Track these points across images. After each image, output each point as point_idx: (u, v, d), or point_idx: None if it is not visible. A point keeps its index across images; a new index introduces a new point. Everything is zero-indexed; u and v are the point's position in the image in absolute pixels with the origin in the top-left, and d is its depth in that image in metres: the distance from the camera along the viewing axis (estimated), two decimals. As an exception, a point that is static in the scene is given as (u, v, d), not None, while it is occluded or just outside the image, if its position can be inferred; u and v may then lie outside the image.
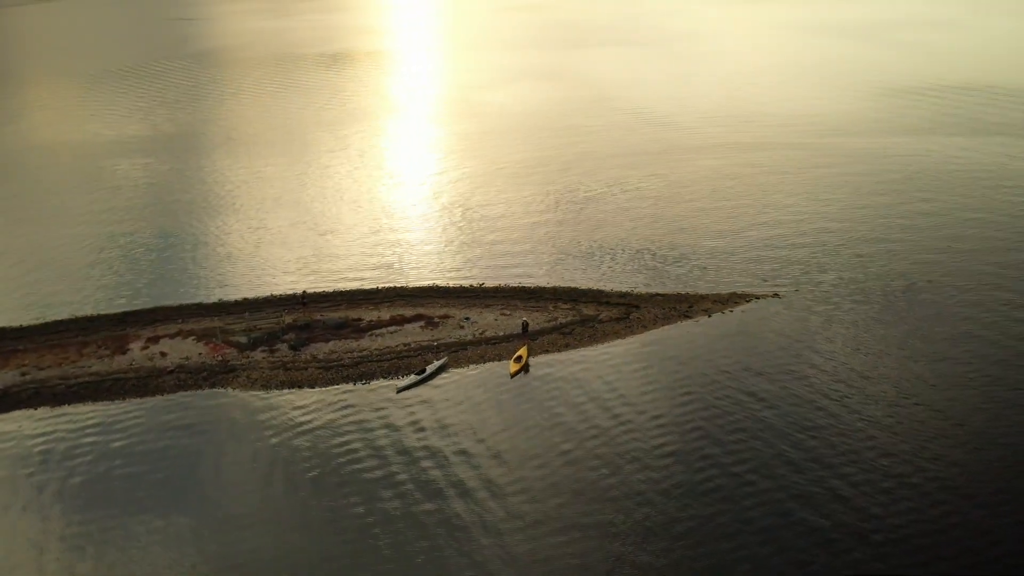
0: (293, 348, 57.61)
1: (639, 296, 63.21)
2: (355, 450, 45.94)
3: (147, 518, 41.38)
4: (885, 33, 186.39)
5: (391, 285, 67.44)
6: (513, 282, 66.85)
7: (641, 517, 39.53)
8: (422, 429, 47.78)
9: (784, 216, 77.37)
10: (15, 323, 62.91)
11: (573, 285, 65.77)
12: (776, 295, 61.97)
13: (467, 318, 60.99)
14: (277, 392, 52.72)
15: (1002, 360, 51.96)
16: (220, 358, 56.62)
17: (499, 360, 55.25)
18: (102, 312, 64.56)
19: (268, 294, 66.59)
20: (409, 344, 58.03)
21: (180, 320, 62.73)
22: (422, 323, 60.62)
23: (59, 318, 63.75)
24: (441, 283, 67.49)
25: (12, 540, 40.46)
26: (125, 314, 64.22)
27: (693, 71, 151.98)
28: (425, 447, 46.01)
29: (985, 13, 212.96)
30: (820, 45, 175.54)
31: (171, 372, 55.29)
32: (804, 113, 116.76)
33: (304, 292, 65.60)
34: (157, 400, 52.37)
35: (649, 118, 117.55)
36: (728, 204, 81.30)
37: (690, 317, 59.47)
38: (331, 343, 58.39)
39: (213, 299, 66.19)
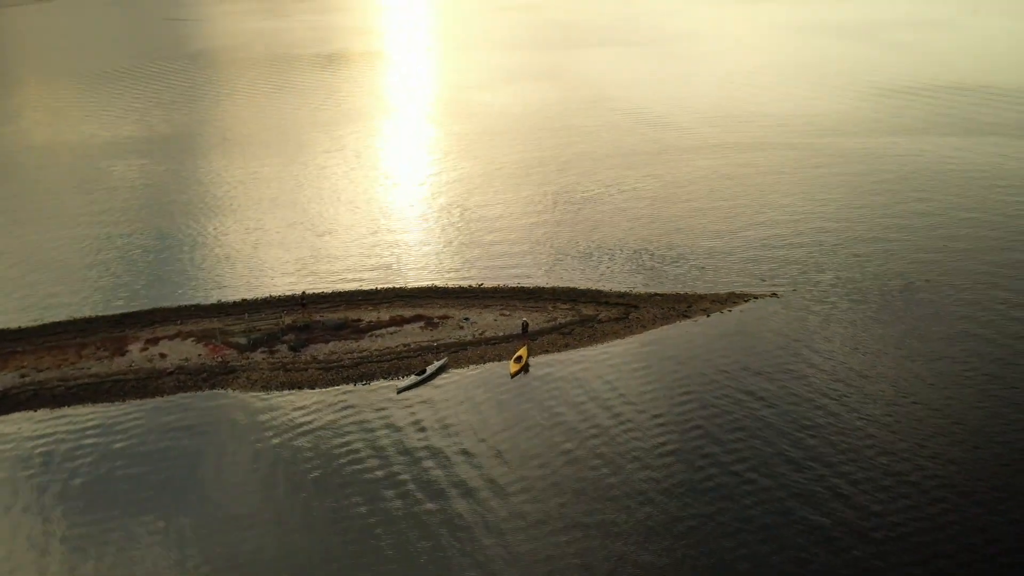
0: (293, 349, 57.64)
1: (638, 296, 63.41)
2: (357, 450, 46.02)
3: (149, 519, 41.38)
4: (879, 33, 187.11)
5: (390, 286, 67.50)
6: (512, 282, 66.98)
7: (643, 516, 39.70)
8: (423, 429, 47.88)
9: (781, 216, 77.68)
10: (13, 324, 62.78)
11: (572, 285, 65.94)
12: (774, 295, 62.23)
13: (466, 318, 61.09)
14: (278, 393, 52.75)
15: (999, 358, 52.29)
16: (220, 359, 56.62)
17: (499, 360, 55.37)
18: (100, 314, 64.48)
19: (267, 295, 66.59)
20: (409, 345, 58.12)
21: (179, 321, 62.68)
22: (421, 324, 60.71)
23: (57, 319, 63.65)
24: (440, 284, 67.59)
25: (14, 542, 40.42)
26: (123, 315, 64.16)
27: (689, 71, 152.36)
28: (427, 447, 46.10)
29: (978, 14, 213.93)
30: (815, 45, 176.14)
31: (171, 373, 55.27)
32: (800, 113, 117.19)
33: (303, 293, 65.60)
34: (157, 401, 52.35)
35: (646, 118, 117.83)
36: (725, 204, 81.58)
37: (689, 317, 59.68)
38: (331, 344, 58.43)
39: (211, 300, 66.17)
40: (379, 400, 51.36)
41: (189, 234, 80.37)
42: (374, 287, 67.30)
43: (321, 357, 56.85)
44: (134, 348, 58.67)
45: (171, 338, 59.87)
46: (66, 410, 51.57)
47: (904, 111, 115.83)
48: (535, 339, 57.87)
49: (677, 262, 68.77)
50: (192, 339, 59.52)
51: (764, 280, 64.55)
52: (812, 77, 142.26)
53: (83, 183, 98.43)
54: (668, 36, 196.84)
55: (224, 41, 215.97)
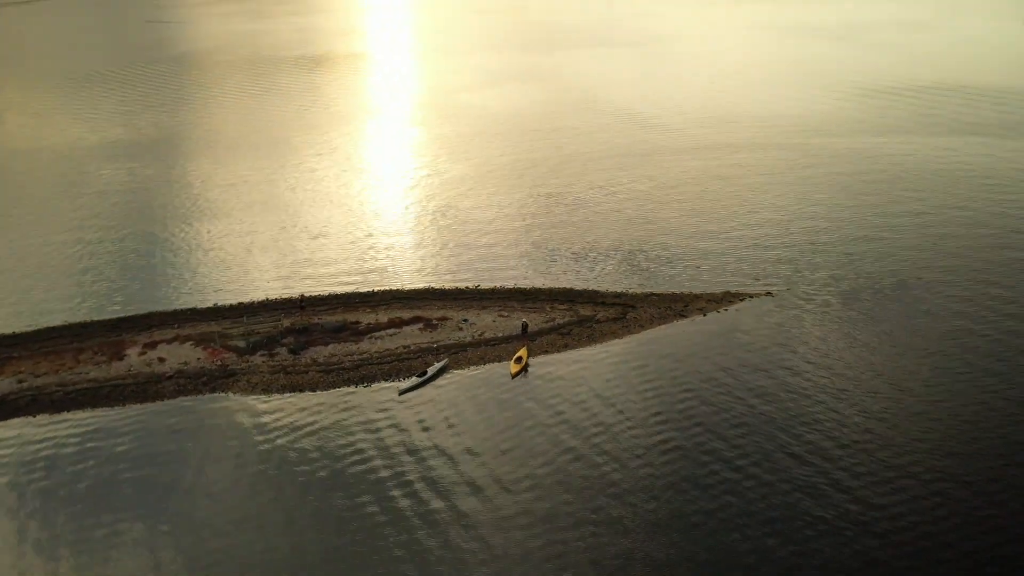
0: (293, 352, 57.64)
1: (634, 296, 63.98)
2: (362, 450, 46.21)
3: (153, 522, 41.34)
4: (861, 34, 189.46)
5: (387, 288, 67.63)
6: (508, 283, 67.34)
7: (648, 511, 40.23)
8: (427, 429, 48.13)
9: (773, 216, 78.62)
10: (7, 330, 62.27)
11: (569, 286, 66.40)
12: (769, 294, 63.03)
13: (465, 320, 61.37)
14: (279, 396, 52.77)
15: (992, 353, 53.38)
16: (219, 363, 56.51)
17: (499, 361, 55.70)
18: (95, 318, 64.11)
19: (263, 298, 66.48)
20: (409, 346, 58.30)
21: (176, 325, 62.46)
22: (420, 325, 60.91)
23: (52, 324, 63.21)
24: (437, 285, 67.81)
25: (16, 546, 40.24)
26: (119, 320, 63.83)
27: (675, 72, 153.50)
28: (431, 447, 46.36)
29: (957, 15, 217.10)
30: (798, 46, 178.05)
31: (170, 377, 55.10)
32: (787, 114, 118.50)
33: (302, 296, 65.60)
34: (158, 406, 52.21)
35: (634, 120, 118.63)
36: (717, 205, 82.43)
37: (686, 316, 60.32)
38: (330, 346, 58.49)
39: (207, 304, 65.96)
40: (381, 401, 51.55)
41: (182, 238, 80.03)
42: (371, 289, 67.40)
43: (321, 360, 56.91)
44: (132, 352, 58.42)
45: (169, 342, 59.67)
46: (66, 415, 51.33)
47: (889, 111, 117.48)
48: (534, 340, 58.26)
49: (672, 262, 69.44)
50: (190, 343, 59.35)
51: (758, 279, 65.35)
52: (797, 78, 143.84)
53: (72, 187, 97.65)
54: (651, 37, 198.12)
55: (208, 43, 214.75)
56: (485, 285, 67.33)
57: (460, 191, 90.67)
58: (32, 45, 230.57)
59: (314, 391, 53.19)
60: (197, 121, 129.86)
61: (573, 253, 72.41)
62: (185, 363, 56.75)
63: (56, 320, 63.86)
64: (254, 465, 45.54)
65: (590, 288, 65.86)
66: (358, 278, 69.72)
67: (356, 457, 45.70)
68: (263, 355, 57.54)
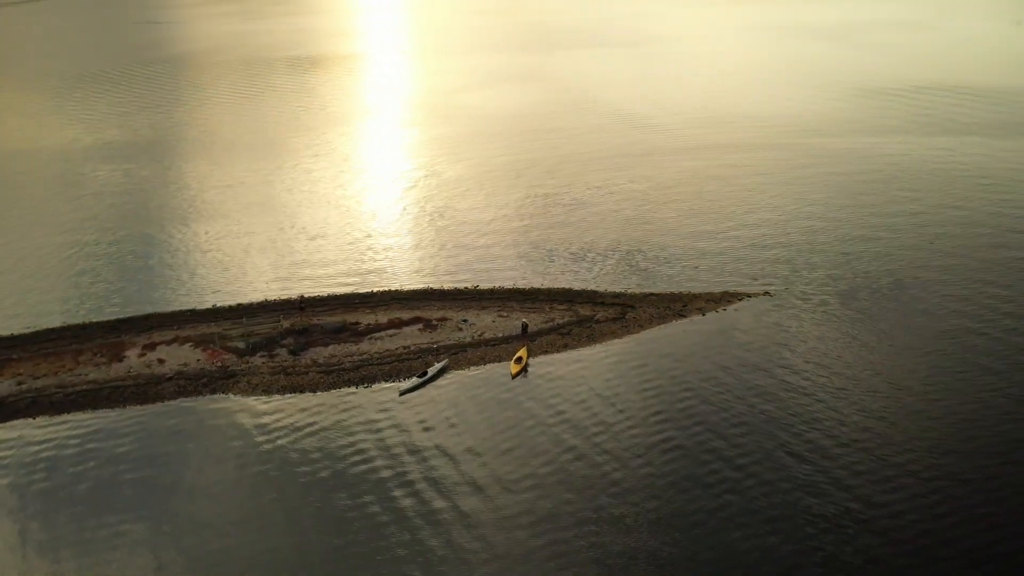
0: (293, 353, 57.65)
1: (633, 296, 64.17)
2: (364, 450, 46.33)
3: (155, 523, 41.39)
4: (857, 35, 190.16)
5: (386, 288, 67.69)
6: (507, 284, 67.46)
7: (651, 509, 40.44)
8: (429, 429, 48.25)
9: (771, 216, 78.91)
10: (5, 332, 62.14)
11: (567, 286, 66.56)
12: (767, 293, 63.30)
13: (465, 320, 61.47)
14: (280, 397, 52.80)
15: (989, 351, 53.75)
16: (219, 364, 56.50)
17: (499, 361, 55.83)
18: (94, 320, 64.02)
19: (262, 299, 66.47)
20: (409, 347, 58.37)
21: (175, 326, 62.40)
22: (420, 326, 60.99)
23: (51, 326, 63.10)
24: (435, 286, 67.88)
25: (18, 548, 40.21)
26: (118, 321, 63.75)
27: (670, 73, 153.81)
28: (433, 446, 46.48)
29: (952, 15, 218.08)
30: (793, 47, 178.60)
31: (170, 379, 55.07)
32: (782, 114, 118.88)
33: (302, 297, 65.63)
34: (158, 407, 52.22)
35: (631, 120, 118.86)
36: (715, 205, 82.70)
37: (685, 316, 60.54)
38: (330, 347, 58.52)
39: (206, 305, 65.91)
40: (382, 402, 51.64)
41: (179, 239, 79.94)
42: (370, 290, 67.45)
43: (321, 360, 56.94)
44: (131, 354, 58.36)
45: (168, 343, 59.63)
46: (66, 417, 51.29)
47: (885, 111, 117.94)
48: (534, 340, 58.39)
49: (670, 262, 69.67)
50: (190, 344, 59.32)
51: (756, 279, 65.62)
52: (793, 78, 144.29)
53: (68, 188, 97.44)
54: (646, 38, 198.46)
55: (203, 44, 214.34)
56: (484, 285, 67.44)
57: (458, 192, 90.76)
58: (26, 46, 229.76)
59: (315, 392, 53.24)
60: (193, 122, 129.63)
61: (571, 253, 72.59)
62: (185, 364, 56.72)
63: (55, 322, 63.76)
64: (256, 466, 45.58)
65: (589, 288, 66.03)
66: (357, 279, 69.76)
67: (358, 457, 45.80)
68: (263, 356, 57.54)
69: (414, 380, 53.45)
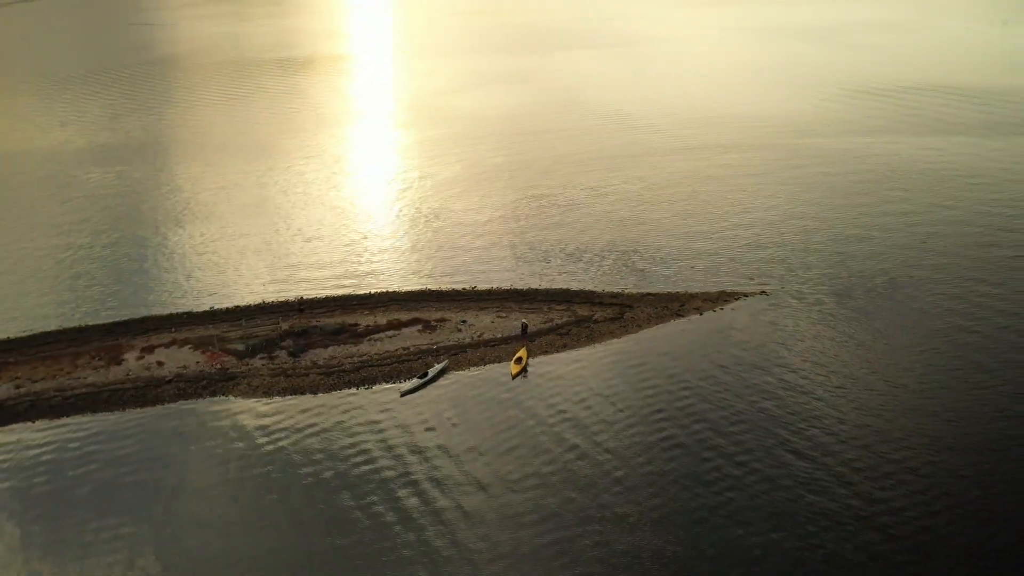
0: (292, 355, 57.66)
1: (631, 296, 64.53)
2: (367, 451, 46.48)
3: (158, 525, 41.37)
4: (844, 36, 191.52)
5: (383, 290, 67.78)
6: (505, 285, 67.67)
7: (654, 506, 40.79)
8: (431, 429, 48.43)
9: (765, 216, 79.49)
10: (2, 335, 61.82)
11: (565, 287, 66.84)
12: (763, 293, 63.80)
13: (464, 321, 61.65)
14: (280, 398, 52.83)
15: (983, 348, 54.44)
16: (219, 366, 56.44)
17: (499, 362, 56.04)
18: (90, 323, 63.79)
19: (259, 301, 66.40)
20: (408, 348, 58.49)
21: (173, 329, 62.27)
22: (419, 327, 61.13)
23: (47, 329, 62.86)
24: (433, 287, 68.02)
25: (20, 549, 40.11)
26: (115, 324, 63.54)
27: (659, 74, 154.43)
28: (436, 446, 46.67)
29: (937, 16, 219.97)
30: (779, 47, 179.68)
31: (170, 381, 54.98)
32: (772, 114, 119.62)
33: (301, 298, 65.63)
34: (158, 409, 52.13)
35: (622, 121, 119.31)
36: (709, 205, 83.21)
37: (682, 316, 60.94)
38: (330, 349, 58.57)
39: (203, 308, 65.79)
40: (383, 403, 51.75)
41: (174, 241, 79.72)
42: (368, 291, 67.51)
43: (321, 362, 56.98)
44: (130, 357, 58.22)
45: (167, 346, 59.51)
46: (65, 420, 51.13)
47: (874, 112, 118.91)
48: (533, 340, 58.63)
49: (666, 262, 70.09)
50: (189, 346, 59.23)
51: (753, 279, 66.13)
52: (782, 79, 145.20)
53: (61, 191, 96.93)
54: (633, 39, 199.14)
55: (193, 45, 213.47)
56: (481, 286, 67.64)
57: (452, 193, 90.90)
58: (18, 47, 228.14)
59: (315, 393, 53.28)
60: (184, 124, 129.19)
61: (567, 254, 72.89)
62: (184, 367, 56.64)
63: (50, 325, 63.53)
64: (259, 467, 45.62)
65: (586, 289, 66.35)
66: (354, 280, 69.80)
67: (361, 457, 45.94)
68: (262, 358, 57.53)
69: (415, 381, 53.59)
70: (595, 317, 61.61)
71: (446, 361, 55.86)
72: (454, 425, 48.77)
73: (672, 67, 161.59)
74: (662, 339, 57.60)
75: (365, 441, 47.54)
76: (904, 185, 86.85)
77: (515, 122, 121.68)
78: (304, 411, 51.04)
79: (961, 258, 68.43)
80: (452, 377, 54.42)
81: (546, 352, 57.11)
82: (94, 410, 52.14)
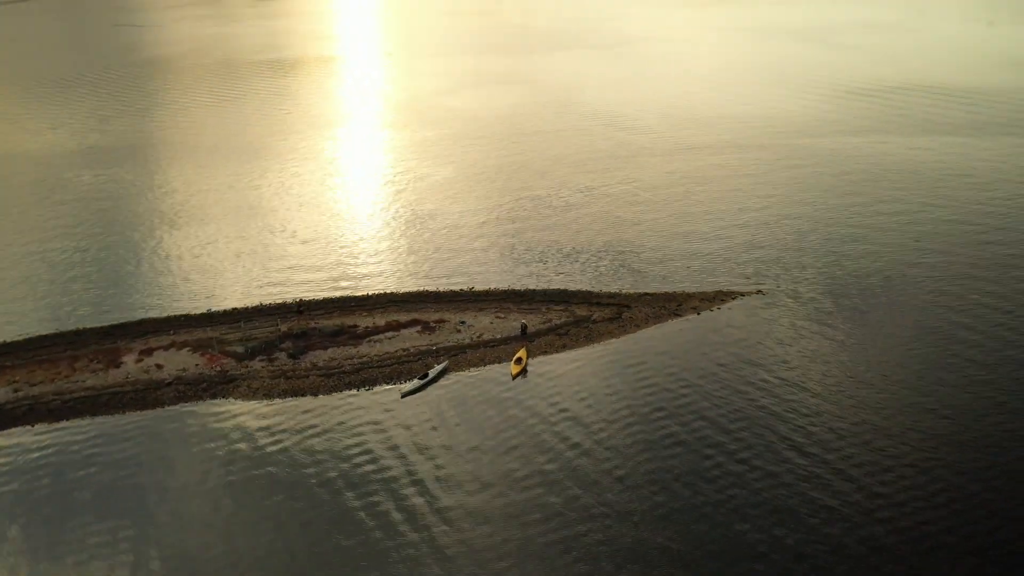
0: (292, 357, 57.63)
1: (629, 296, 64.89)
2: (370, 451, 46.59)
3: (161, 526, 41.32)
4: (833, 36, 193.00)
5: (381, 291, 67.84)
6: (503, 285, 67.88)
7: (658, 503, 41.12)
8: (433, 429, 48.58)
9: (760, 216, 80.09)
10: (-2, 339, 61.58)
11: (563, 287, 67.13)
12: (760, 292, 64.31)
13: (463, 322, 61.80)
14: (280, 400, 52.80)
15: (977, 344, 55.18)
16: (218, 368, 56.34)
17: (499, 362, 56.23)
18: (87, 326, 63.52)
19: (257, 303, 66.33)
20: (408, 349, 58.59)
21: (171, 332, 62.10)
22: (418, 328, 61.24)
23: (43, 333, 62.54)
24: (430, 288, 68.14)
25: (21, 552, 39.95)
26: (112, 327, 63.28)
27: (651, 74, 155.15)
28: (439, 446, 46.82)
29: (925, 16, 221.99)
30: (770, 48, 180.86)
31: (169, 384, 54.83)
32: (765, 115, 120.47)
33: (300, 300, 65.58)
34: (158, 412, 51.99)
35: (615, 122, 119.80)
36: (705, 206, 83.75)
37: (680, 315, 61.33)
38: (329, 350, 58.58)
39: (201, 310, 65.62)
40: (385, 403, 51.84)
41: (169, 244, 79.45)
42: (365, 293, 67.55)
43: (321, 364, 56.99)
44: (128, 360, 58.01)
45: (165, 348, 59.34)
46: (65, 424, 50.90)
47: (865, 112, 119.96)
48: (533, 340, 58.85)
49: (663, 262, 70.51)
50: (187, 349, 59.09)
51: (749, 278, 66.64)
52: (771, 79, 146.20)
53: (52, 194, 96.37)
54: (625, 40, 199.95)
55: (181, 47, 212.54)
56: (479, 287, 67.82)
57: (448, 194, 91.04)
58: (3, 49, 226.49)
59: (316, 395, 53.29)
60: (176, 126, 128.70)
61: (564, 255, 73.19)
62: (183, 369, 56.51)
63: (47, 328, 63.20)
64: (262, 468, 45.60)
65: (584, 289, 66.65)
66: (351, 282, 69.82)
67: (364, 457, 46.05)
68: (262, 360, 57.47)
69: (415, 382, 53.70)
70: (593, 317, 61.91)
71: (446, 362, 56.00)
72: (456, 425, 48.94)
73: (666, 67, 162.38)
74: (660, 339, 57.98)
75: (368, 441, 47.65)
76: (897, 184, 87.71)
77: (508, 123, 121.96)
78: (306, 412, 51.08)
79: (954, 256, 69.23)
80: (452, 378, 54.58)
81: (545, 352, 57.36)
82: (94, 413, 51.95)
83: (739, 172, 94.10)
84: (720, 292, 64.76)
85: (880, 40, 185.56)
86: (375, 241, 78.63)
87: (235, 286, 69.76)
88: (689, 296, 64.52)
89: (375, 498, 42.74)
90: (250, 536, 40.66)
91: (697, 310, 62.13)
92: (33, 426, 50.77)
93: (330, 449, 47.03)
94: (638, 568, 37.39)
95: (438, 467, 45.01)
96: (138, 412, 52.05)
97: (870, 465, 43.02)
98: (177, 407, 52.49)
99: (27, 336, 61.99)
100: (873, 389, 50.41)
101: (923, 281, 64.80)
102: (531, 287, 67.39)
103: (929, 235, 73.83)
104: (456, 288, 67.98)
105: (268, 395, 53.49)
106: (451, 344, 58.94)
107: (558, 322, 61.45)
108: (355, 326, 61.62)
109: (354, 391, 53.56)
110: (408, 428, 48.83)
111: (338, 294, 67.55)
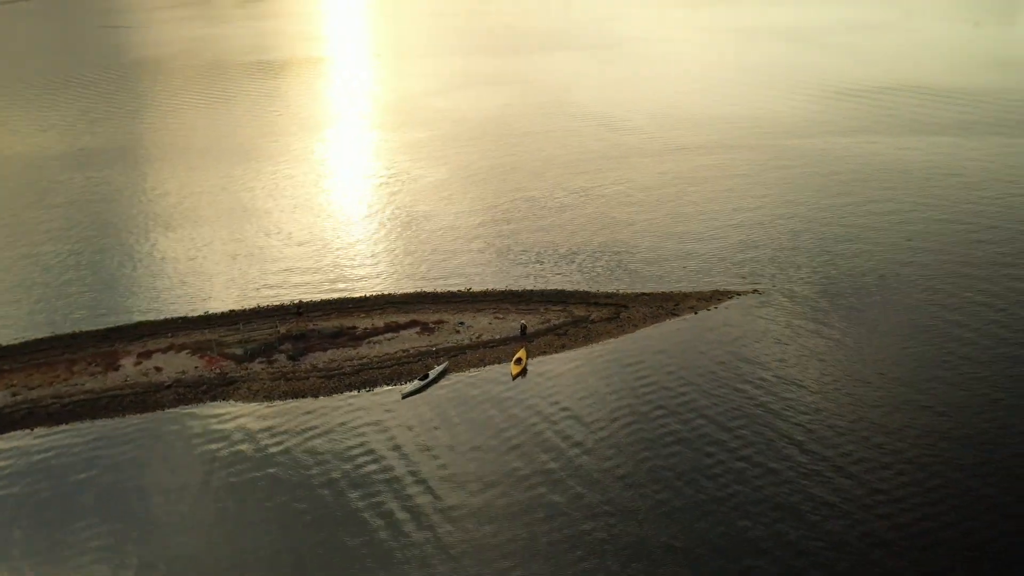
0: (292, 358, 57.64)
1: (626, 296, 65.27)
2: (374, 450, 46.77)
3: (164, 527, 41.33)
4: (821, 37, 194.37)
5: (379, 292, 67.93)
6: (500, 286, 68.11)
7: (661, 500, 41.51)
8: (435, 429, 48.78)
9: (754, 216, 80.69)
10: (-6, 343, 61.23)
11: (560, 287, 67.44)
12: (756, 291, 64.86)
13: (461, 323, 61.99)
14: (281, 402, 52.83)
15: (971, 341, 55.91)
16: (218, 371, 56.28)
17: (499, 363, 56.47)
18: (84, 329, 63.28)
19: (254, 305, 66.28)
20: (408, 350, 58.73)
21: (169, 334, 61.96)
22: (417, 329, 61.38)
23: (39, 336, 62.25)
24: (428, 289, 68.30)
25: (22, 555, 39.87)
26: (109, 330, 63.07)
27: (641, 75, 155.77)
28: (442, 445, 47.03)
29: (912, 17, 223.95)
30: (759, 49, 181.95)
31: (169, 387, 54.75)
32: (755, 115, 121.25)
33: (300, 302, 65.59)
34: (159, 415, 51.92)
35: (607, 123, 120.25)
36: (698, 206, 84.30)
37: (677, 315, 61.77)
38: (329, 352, 58.63)
39: (198, 312, 65.52)
40: (386, 404, 51.97)
41: (164, 247, 79.21)
42: (363, 294, 67.61)
43: (321, 365, 57.03)
44: (127, 362, 57.86)
45: (164, 351, 59.21)
46: (65, 427, 50.75)
47: (854, 112, 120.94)
48: (532, 341, 59.11)
49: (659, 263, 70.96)
50: (186, 351, 58.99)
51: (745, 278, 67.18)
52: (761, 80, 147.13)
53: (44, 196, 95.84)
54: (614, 40, 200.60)
55: (170, 48, 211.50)
56: (476, 288, 68.02)
57: (442, 196, 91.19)
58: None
59: (316, 397, 53.35)
60: (166, 127, 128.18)
61: (561, 255, 73.51)
62: (183, 372, 56.41)
63: (43, 332, 62.92)
64: (264, 469, 45.65)
65: (581, 289, 66.99)
66: (348, 284, 69.87)
67: (368, 457, 46.21)
68: (262, 362, 57.46)
69: (416, 383, 53.85)
70: (592, 317, 62.26)
71: (446, 363, 56.19)
72: (458, 425, 49.15)
73: (656, 68, 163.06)
74: (659, 338, 58.40)
75: (370, 442, 47.78)
76: (887, 184, 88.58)
77: (501, 124, 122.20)
78: (307, 413, 51.15)
79: (947, 255, 70.05)
80: (453, 378, 54.77)
81: (545, 352, 57.64)
82: (93, 416, 51.82)
83: (731, 172, 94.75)
84: (716, 292, 65.26)
85: (868, 41, 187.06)
86: (371, 243, 78.70)
87: (232, 288, 69.67)
88: (686, 296, 64.99)
89: (379, 498, 42.90)
90: (253, 537, 40.72)
91: (694, 309, 62.59)
92: (32, 430, 50.59)
93: (332, 450, 47.14)
94: (643, 565, 37.74)
95: (441, 467, 45.22)
96: (138, 415, 51.95)
97: (869, 461, 43.57)
98: (177, 409, 52.42)
99: (23, 340, 61.71)
100: (870, 387, 51.02)
101: (916, 279, 65.55)
102: (528, 288, 67.67)
103: (921, 234, 74.68)
104: (454, 289, 68.18)
105: (269, 397, 53.51)
106: (450, 345, 59.12)
107: (556, 322, 61.76)
108: (354, 327, 61.69)
109: (355, 392, 53.66)
110: (410, 428, 49.01)
111: (336, 296, 67.59)
